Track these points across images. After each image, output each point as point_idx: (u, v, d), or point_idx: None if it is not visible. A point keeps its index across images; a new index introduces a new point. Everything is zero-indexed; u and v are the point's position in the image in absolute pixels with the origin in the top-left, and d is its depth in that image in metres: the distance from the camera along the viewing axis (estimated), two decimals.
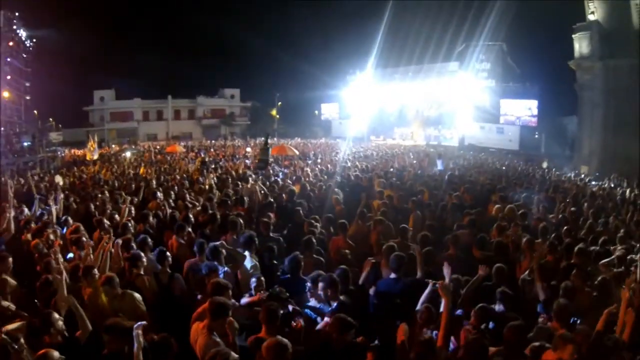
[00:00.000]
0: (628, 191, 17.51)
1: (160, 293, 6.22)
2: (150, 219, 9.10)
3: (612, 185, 19.87)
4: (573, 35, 29.64)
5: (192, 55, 61.55)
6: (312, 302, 5.65)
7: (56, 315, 4.72)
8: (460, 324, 5.25)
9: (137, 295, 5.70)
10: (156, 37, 61.28)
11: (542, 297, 5.98)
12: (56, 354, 4.05)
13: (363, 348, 4.44)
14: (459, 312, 5.46)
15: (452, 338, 5.04)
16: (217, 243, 6.83)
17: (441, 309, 5.00)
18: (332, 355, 4.55)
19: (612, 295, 5.92)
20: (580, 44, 29.25)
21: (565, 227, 9.29)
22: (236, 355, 3.85)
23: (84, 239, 7.30)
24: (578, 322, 5.19)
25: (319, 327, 5.17)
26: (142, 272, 6.34)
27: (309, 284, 5.75)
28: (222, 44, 62.41)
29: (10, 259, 6.48)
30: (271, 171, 17.35)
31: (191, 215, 9.07)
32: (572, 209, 11.66)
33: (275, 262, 7.06)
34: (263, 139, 18.00)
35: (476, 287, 5.79)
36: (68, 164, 28.23)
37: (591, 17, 28.75)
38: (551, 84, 38.90)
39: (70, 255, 7.21)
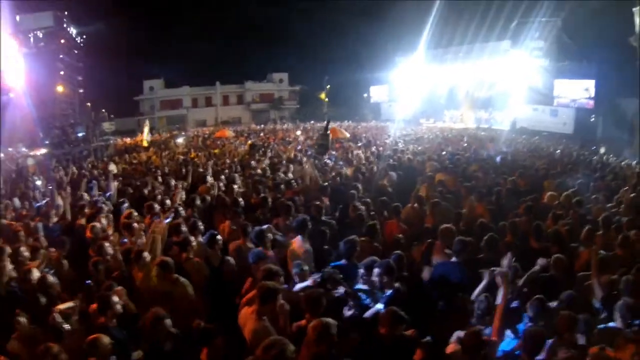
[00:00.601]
0: None
1: (211, 277, 6.25)
2: (198, 202, 9.23)
3: None
4: (633, 9, 28.17)
5: (240, 40, 62.11)
6: (365, 287, 5.53)
7: (115, 298, 4.82)
8: (518, 316, 5.06)
9: (187, 282, 5.75)
10: (202, 24, 61.85)
11: (598, 294, 5.62)
12: (107, 339, 4.15)
13: (413, 343, 4.33)
14: (515, 304, 5.24)
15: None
16: (264, 227, 6.89)
17: (498, 300, 4.80)
18: (381, 349, 4.42)
19: None
20: None
21: (627, 218, 8.65)
22: (293, 347, 3.75)
23: (135, 224, 7.46)
24: None
25: (368, 314, 5.05)
26: (191, 256, 6.43)
27: (361, 270, 5.62)
28: (270, 28, 62.64)
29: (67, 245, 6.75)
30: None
31: (241, 199, 9.13)
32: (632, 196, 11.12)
33: (326, 247, 7.00)
34: (325, 123, 17.92)
35: (534, 278, 5.57)
36: (120, 151, 28.90)
37: None
38: (610, 62, 36.57)
39: (125, 240, 7.33)
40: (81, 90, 57.55)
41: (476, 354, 4.24)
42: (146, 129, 27.53)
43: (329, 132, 16.83)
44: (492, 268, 5.01)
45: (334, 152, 18.14)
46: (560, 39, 42.74)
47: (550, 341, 4.51)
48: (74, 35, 54.60)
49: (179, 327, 4.65)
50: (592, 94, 38.94)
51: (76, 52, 55.90)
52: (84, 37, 56.77)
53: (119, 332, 4.68)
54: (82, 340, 4.20)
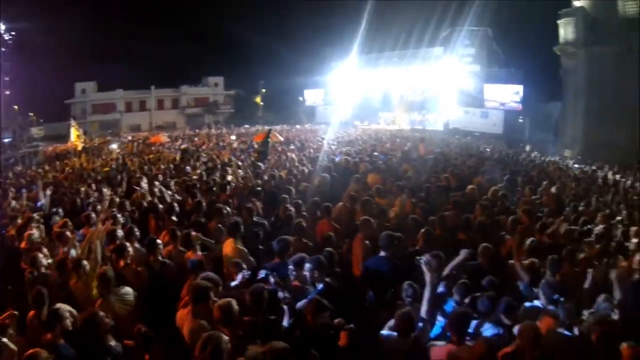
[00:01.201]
0: (610, 174, 17.93)
1: (152, 282, 6.14)
2: (127, 207, 9.12)
3: (594, 169, 20.20)
4: (558, 21, 29.87)
5: (175, 44, 60.01)
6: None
7: (66, 313, 4.59)
8: (444, 300, 5.34)
9: (127, 291, 5.60)
10: (138, 26, 59.70)
11: (524, 277, 6.06)
12: (45, 354, 3.98)
13: (337, 329, 4.49)
14: (442, 289, 5.47)
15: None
16: (190, 231, 6.98)
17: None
18: (307, 335, 4.61)
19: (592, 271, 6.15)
20: (566, 30, 29.50)
21: (547, 208, 9.55)
22: (227, 339, 3.87)
23: (67, 233, 7.24)
24: (562, 300, 5.25)
25: (298, 305, 5.17)
26: (129, 262, 6.32)
27: (291, 267, 5.73)
28: (205, 32, 61.48)
29: None
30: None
31: (176, 205, 9.07)
32: (553, 189, 11.96)
33: (261, 247, 7.09)
34: (266, 129, 18.08)
35: (460, 266, 5.82)
36: (50, 158, 27.83)
37: (577, 4, 29.04)
38: (536, 69, 38.82)
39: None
40: (7, 92, 53.88)
41: (408, 335, 4.54)
42: (73, 132, 26.72)
43: (269, 139, 16.96)
44: (417, 257, 5.22)
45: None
46: (490, 47, 44.78)
47: (475, 322, 4.85)
48: (1, 32, 51.17)
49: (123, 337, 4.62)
50: (520, 98, 40.91)
51: (3, 50, 52.43)
52: (12, 34, 53.10)
53: (67, 350, 4.43)
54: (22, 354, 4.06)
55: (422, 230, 7.08)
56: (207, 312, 4.71)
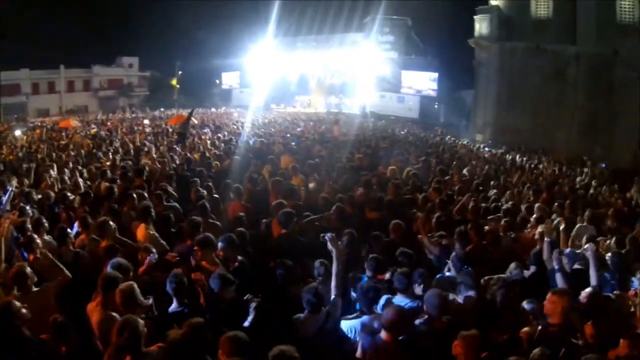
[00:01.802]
0: (517, 157, 19.03)
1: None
2: (34, 197, 8.57)
3: (502, 152, 21.35)
4: (475, 17, 31.33)
5: (87, 19, 56.54)
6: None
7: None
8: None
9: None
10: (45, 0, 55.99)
11: (434, 250, 6.45)
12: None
13: (246, 303, 4.56)
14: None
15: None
16: (106, 219, 6.62)
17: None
18: (218, 310, 4.65)
19: (498, 243, 6.74)
20: (481, 25, 31.00)
21: (458, 187, 10.25)
22: (143, 322, 3.83)
23: None
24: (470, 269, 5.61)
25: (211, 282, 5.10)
26: (39, 255, 5.82)
27: (196, 247, 5.65)
28: (120, 8, 58.53)
29: None
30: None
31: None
32: (465, 171, 12.63)
33: (173, 229, 6.98)
34: (188, 111, 17.66)
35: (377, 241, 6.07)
36: None
37: (493, 2, 30.65)
38: (451, 59, 40.58)
39: None
40: None
41: (318, 311, 4.59)
42: None
43: (190, 121, 16.67)
44: (322, 234, 5.23)
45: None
46: (408, 36, 45.94)
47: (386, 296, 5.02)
48: None
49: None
50: (435, 85, 42.53)
51: None
52: None
53: None
54: None
55: (334, 207, 7.23)
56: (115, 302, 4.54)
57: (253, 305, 4.56)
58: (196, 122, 24.48)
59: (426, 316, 4.53)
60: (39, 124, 35.45)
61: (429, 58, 44.30)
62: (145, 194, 8.27)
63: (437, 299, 4.50)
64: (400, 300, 4.95)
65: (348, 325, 4.63)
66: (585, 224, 8.06)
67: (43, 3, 51.55)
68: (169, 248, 6.35)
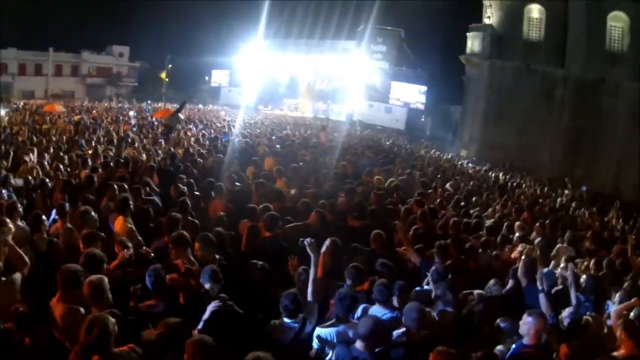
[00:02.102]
0: (501, 174, 19.23)
1: (37, 262, 5.48)
2: (14, 182, 8.33)
3: (486, 169, 21.52)
4: (468, 34, 31.84)
5: (80, 4, 55.45)
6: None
7: None
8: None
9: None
10: None
11: (416, 260, 6.47)
12: None
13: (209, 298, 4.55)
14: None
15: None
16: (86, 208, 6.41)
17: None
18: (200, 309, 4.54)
19: (478, 260, 6.83)
20: (473, 42, 31.48)
21: (438, 200, 10.35)
22: (114, 320, 3.67)
23: None
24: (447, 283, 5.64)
25: None
26: (10, 242, 5.54)
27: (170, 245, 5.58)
28: None
29: None
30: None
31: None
32: (447, 186, 12.78)
33: (151, 224, 6.84)
34: (175, 106, 17.50)
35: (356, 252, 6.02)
36: None
37: (487, 21, 31.12)
38: (441, 73, 41.37)
39: None
40: None
41: (294, 316, 4.55)
42: None
43: (180, 114, 16.53)
44: (301, 239, 5.19)
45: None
46: (400, 47, 46.20)
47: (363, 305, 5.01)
48: None
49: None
50: (424, 98, 42.75)
51: None
52: None
53: None
54: None
55: (313, 212, 7.21)
56: (77, 297, 4.36)
57: (213, 305, 4.47)
58: (182, 117, 24.33)
59: (404, 328, 4.50)
60: (23, 105, 34.82)
61: (419, 71, 44.74)
62: (126, 186, 8.09)
63: (416, 312, 4.47)
64: (378, 310, 4.91)
65: (323, 332, 4.54)
66: (565, 244, 8.21)
67: None
68: (144, 243, 6.19)
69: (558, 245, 8.12)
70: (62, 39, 55.54)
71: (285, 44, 49.65)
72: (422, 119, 44.72)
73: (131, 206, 6.78)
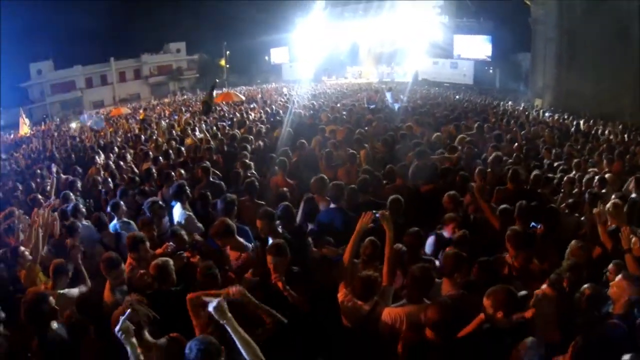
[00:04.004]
0: (582, 122, 17.78)
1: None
2: (79, 185, 8.71)
3: (566, 117, 19.90)
4: None
5: (132, 11, 57.22)
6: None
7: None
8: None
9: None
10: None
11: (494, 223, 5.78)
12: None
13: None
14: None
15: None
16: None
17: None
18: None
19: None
20: None
21: (515, 155, 9.22)
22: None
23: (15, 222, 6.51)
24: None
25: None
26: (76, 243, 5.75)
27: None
28: None
29: None
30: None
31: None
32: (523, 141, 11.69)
33: (211, 210, 6.59)
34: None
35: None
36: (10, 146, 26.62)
37: None
38: (505, 20, 38.54)
39: None
40: None
41: (369, 298, 4.17)
42: (21, 123, 25.77)
43: (214, 92, 16.52)
44: (374, 210, 4.67)
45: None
46: None
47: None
48: None
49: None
50: (490, 48, 40.60)
51: None
52: None
53: None
54: None
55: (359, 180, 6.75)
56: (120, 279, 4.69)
57: None
58: (243, 98, 24.35)
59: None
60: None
61: (481, 20, 42.32)
62: (183, 172, 8.39)
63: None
64: None
65: (392, 314, 4.04)
66: None
67: (86, 1, 52.13)
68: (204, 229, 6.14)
69: None
70: (121, 47, 57.96)
71: (343, 12, 48.70)
72: (491, 71, 42.65)
73: (187, 192, 6.68)
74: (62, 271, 4.83)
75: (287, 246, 4.45)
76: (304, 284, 4.41)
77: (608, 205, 5.59)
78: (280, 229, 5.32)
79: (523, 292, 4.13)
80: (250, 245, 5.22)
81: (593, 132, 15.43)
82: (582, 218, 6.46)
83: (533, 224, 5.45)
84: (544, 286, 4.25)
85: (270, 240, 5.03)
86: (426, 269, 4.12)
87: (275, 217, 5.30)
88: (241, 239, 5.19)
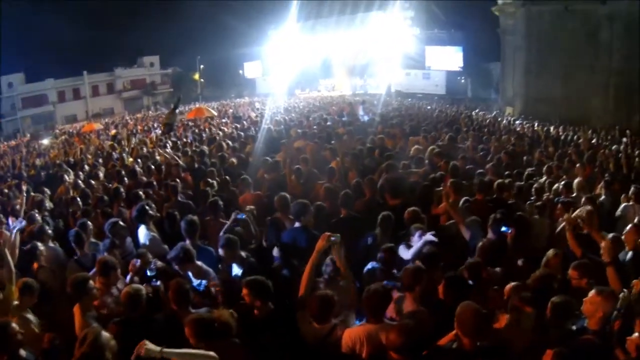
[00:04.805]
0: (552, 128, 18.01)
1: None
2: (47, 204, 8.68)
3: (536, 125, 20.15)
4: None
5: (104, 24, 56.49)
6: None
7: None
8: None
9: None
10: (62, 9, 55.71)
11: (466, 235, 5.80)
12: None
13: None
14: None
15: None
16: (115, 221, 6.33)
17: None
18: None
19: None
20: None
21: (491, 164, 9.26)
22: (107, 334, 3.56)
23: None
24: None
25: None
26: (43, 264, 5.83)
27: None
28: (135, 9, 58.28)
29: None
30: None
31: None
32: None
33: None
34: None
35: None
36: None
37: None
38: (475, 31, 39.46)
39: None
40: None
41: (326, 320, 4.10)
42: None
43: (177, 110, 16.47)
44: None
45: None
46: (429, 9, 44.54)
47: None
48: None
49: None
50: (461, 59, 41.16)
51: None
52: None
53: None
54: None
55: (342, 194, 6.69)
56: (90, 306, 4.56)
57: None
58: (215, 113, 24.22)
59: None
60: (63, 130, 35.82)
61: (452, 31, 43.07)
62: (151, 192, 8.21)
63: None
64: None
65: (352, 335, 3.99)
66: (631, 202, 7.20)
67: (58, 14, 51.53)
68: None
69: (624, 204, 7.21)
70: (94, 60, 57.32)
71: (315, 25, 48.87)
72: (462, 81, 43.25)
73: (151, 213, 6.56)
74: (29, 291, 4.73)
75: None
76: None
77: (579, 211, 5.71)
78: (244, 254, 5.28)
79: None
80: (211, 272, 5.13)
81: (563, 137, 15.61)
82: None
83: (504, 228, 5.47)
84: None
85: (235, 267, 5.05)
86: (382, 287, 4.07)
87: (237, 245, 5.24)
88: (201, 264, 5.11)
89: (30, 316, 4.78)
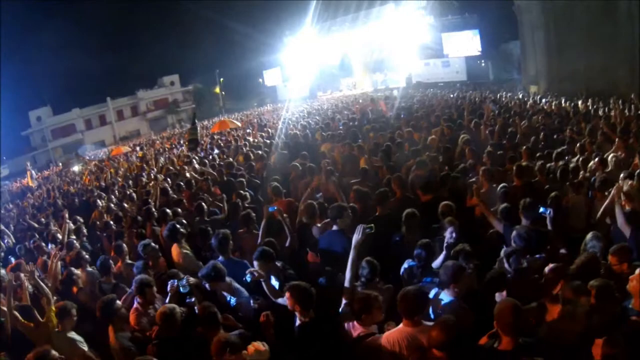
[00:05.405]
0: (580, 103, 17.51)
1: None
2: (84, 230, 8.93)
3: (563, 101, 19.63)
4: None
5: (123, 49, 57.71)
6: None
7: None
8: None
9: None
10: (80, 39, 56.70)
11: (498, 227, 5.64)
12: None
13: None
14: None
15: None
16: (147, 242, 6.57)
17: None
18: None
19: None
20: None
21: (525, 146, 8.93)
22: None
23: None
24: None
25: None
26: (81, 286, 6.19)
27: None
28: (152, 31, 59.23)
29: None
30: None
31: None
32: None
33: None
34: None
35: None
36: (15, 195, 26.79)
37: None
38: (490, 11, 38.54)
39: None
40: None
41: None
42: (29, 172, 26.04)
43: (196, 124, 16.50)
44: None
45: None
46: None
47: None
48: None
49: None
50: (478, 42, 40.43)
51: None
52: None
53: None
54: None
55: (377, 193, 6.62)
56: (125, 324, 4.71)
57: None
58: (239, 124, 24.25)
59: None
60: (92, 156, 36.48)
61: (466, 15, 42.24)
62: (180, 210, 8.26)
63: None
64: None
65: (390, 339, 3.90)
66: None
67: (79, 45, 52.63)
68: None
69: None
70: (115, 86, 58.63)
71: (331, 26, 48.58)
72: (483, 64, 42.47)
73: (182, 231, 6.59)
74: (66, 313, 4.92)
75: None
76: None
77: (621, 185, 5.54)
78: (279, 264, 5.22)
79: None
80: (243, 291, 5.08)
81: (592, 111, 15.13)
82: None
83: (542, 209, 5.31)
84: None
85: (273, 279, 4.97)
86: (420, 290, 3.98)
87: (273, 256, 5.18)
88: (236, 285, 5.06)
89: (75, 336, 4.94)
